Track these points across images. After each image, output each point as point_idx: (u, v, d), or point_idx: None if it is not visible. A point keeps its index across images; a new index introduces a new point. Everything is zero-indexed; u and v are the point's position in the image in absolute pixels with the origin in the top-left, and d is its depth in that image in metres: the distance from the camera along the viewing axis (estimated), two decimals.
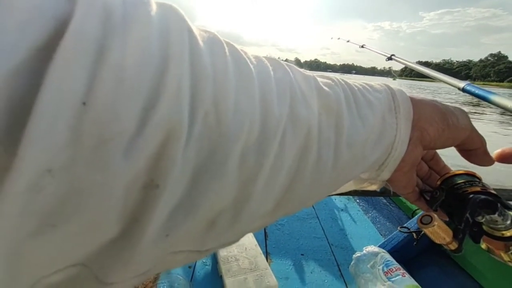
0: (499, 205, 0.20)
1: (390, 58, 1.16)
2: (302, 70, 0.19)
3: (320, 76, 0.20)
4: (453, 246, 0.19)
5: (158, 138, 0.11)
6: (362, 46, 1.47)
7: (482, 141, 0.24)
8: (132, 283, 0.13)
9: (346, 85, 0.20)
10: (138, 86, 0.11)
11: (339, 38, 1.95)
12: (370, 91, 0.21)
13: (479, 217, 0.20)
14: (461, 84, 0.68)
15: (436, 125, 0.21)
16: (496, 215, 0.20)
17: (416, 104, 0.21)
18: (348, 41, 1.66)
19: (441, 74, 0.78)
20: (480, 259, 0.79)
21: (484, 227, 0.21)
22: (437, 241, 0.19)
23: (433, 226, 0.19)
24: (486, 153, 0.24)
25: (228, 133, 0.13)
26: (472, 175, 0.22)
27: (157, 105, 0.11)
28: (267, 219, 0.17)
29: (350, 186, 0.22)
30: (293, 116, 0.15)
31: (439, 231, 0.19)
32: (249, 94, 0.14)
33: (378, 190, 0.23)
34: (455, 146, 0.24)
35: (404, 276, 0.74)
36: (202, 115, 0.12)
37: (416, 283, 0.73)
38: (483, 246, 0.21)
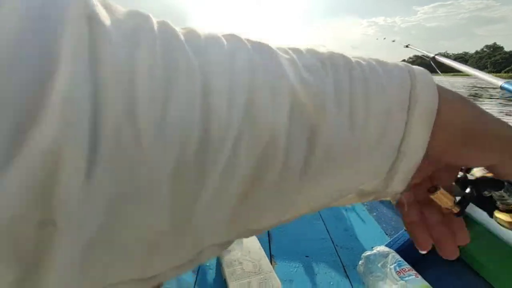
0: (506, 183, 0.20)
1: (433, 58, 1.21)
2: (277, 47, 0.14)
3: (309, 52, 0.15)
4: (455, 210, 0.21)
5: (40, 169, 0.09)
6: (407, 46, 1.57)
7: None
8: None
9: (342, 69, 0.15)
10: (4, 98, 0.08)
11: (384, 38, 2.15)
12: (379, 74, 0.16)
13: (486, 192, 0.21)
14: (499, 82, 0.68)
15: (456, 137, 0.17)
16: (502, 191, 0.21)
17: (446, 102, 0.16)
18: (393, 41, 1.84)
19: (481, 72, 0.81)
20: (489, 258, 0.78)
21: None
22: (442, 205, 0.21)
23: (437, 193, 0.20)
24: None
25: (152, 151, 0.10)
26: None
27: (34, 126, 0.08)
28: (226, 236, 0.14)
29: (353, 199, 0.19)
30: (250, 119, 0.12)
31: (443, 197, 0.20)
32: (184, 95, 0.11)
33: (394, 203, 0.21)
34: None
35: (417, 277, 0.73)
36: (110, 132, 0.09)
37: (429, 285, 0.71)
38: (499, 218, 0.24)
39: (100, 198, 0.10)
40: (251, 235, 0.15)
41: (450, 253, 0.20)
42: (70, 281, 0.10)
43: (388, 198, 0.20)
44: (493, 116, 0.17)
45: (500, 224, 0.25)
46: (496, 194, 0.22)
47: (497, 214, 0.26)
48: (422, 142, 0.16)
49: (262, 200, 0.13)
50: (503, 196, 0.22)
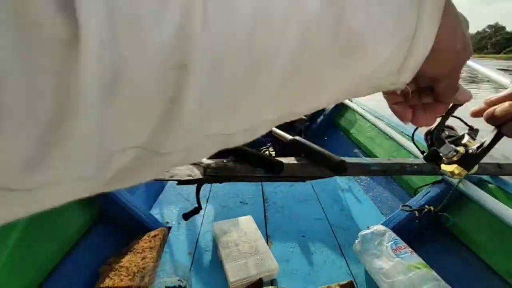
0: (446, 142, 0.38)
1: None
2: None
3: None
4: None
5: (179, 15, 0.11)
6: None
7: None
8: (182, 156, 0.15)
9: None
10: None
11: None
12: None
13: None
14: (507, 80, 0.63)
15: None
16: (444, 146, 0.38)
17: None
18: None
19: (491, 70, 0.71)
20: (482, 234, 0.78)
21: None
22: None
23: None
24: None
25: (243, 19, 0.13)
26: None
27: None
28: (275, 112, 0.17)
29: (371, 90, 0.21)
30: (294, 7, 0.15)
31: None
32: None
33: (398, 92, 0.23)
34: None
35: (413, 254, 0.74)
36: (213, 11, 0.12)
37: (424, 262, 0.72)
38: (444, 169, 0.39)
39: (208, 49, 0.12)
40: (293, 118, 0.19)
41: (423, 121, 0.26)
42: (194, 117, 0.13)
43: (396, 88, 0.22)
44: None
45: (446, 175, 0.39)
46: (442, 151, 0.37)
47: (443, 166, 0.38)
48: (431, 34, 0.18)
49: (301, 81, 0.16)
50: (447, 154, 0.37)
